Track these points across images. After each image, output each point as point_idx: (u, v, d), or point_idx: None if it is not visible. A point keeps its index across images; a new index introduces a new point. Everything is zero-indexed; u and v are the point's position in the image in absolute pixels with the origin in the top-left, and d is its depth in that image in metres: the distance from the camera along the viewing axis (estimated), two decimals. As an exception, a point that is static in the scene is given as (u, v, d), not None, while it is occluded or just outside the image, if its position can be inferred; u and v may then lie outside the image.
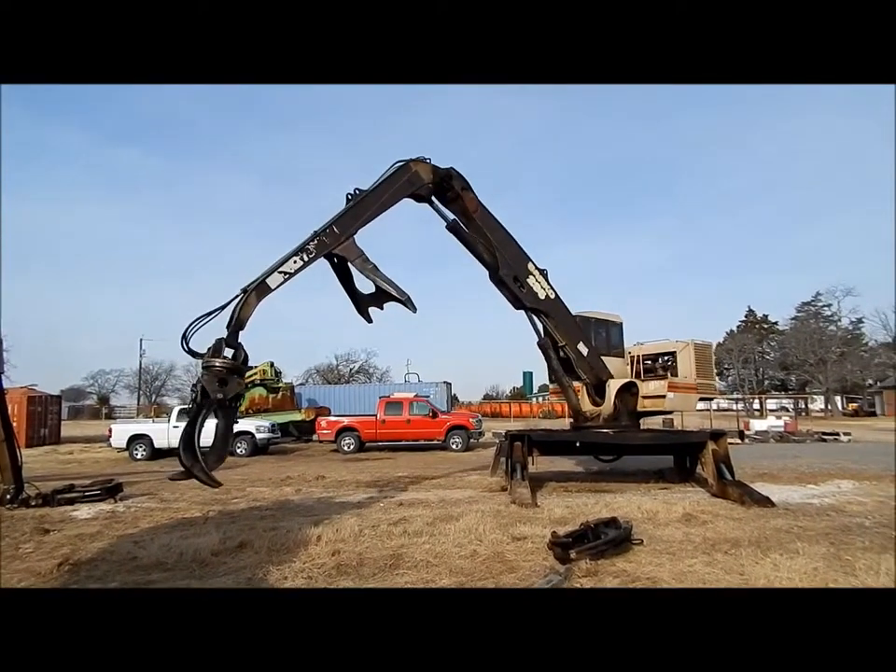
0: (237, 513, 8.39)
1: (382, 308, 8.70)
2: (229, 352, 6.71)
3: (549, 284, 10.27)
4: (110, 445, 18.94)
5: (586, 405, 11.10)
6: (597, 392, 10.96)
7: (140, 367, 65.26)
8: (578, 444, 10.82)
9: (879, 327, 58.57)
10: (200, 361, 6.64)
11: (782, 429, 25.20)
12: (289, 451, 21.16)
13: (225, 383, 6.55)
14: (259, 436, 19.17)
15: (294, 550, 6.09)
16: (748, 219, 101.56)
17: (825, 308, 60.57)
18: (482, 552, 5.90)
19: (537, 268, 10.18)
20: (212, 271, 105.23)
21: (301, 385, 40.66)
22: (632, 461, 12.74)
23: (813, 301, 60.93)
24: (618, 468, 12.24)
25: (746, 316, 71.14)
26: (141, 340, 62.03)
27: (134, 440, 18.62)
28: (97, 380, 73.07)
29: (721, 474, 9.43)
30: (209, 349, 6.63)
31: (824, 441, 23.45)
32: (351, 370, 62.32)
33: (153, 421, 22.34)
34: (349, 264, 8.21)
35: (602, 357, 10.97)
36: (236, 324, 6.81)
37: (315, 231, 7.68)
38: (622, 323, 11.85)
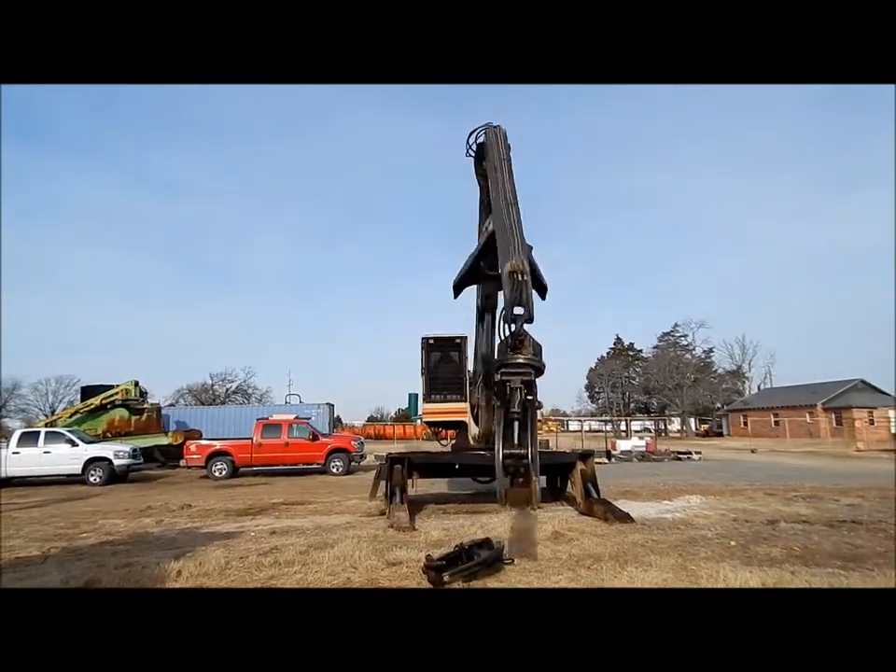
0: (85, 550, 7.56)
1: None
2: None
3: None
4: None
5: (474, 428, 11.34)
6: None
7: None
8: (457, 467, 11.02)
9: (726, 356, 66.34)
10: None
11: (644, 449, 27.35)
12: (153, 478, 19.49)
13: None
14: (117, 462, 17.49)
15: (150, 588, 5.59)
16: (621, 256, 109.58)
17: (682, 338, 67.25)
18: (355, 579, 5.78)
19: None
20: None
21: (169, 405, 37.91)
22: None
23: (672, 331, 67.41)
24: (494, 488, 12.55)
25: (614, 344, 76.77)
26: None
27: (-38, 468, 16.27)
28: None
29: (588, 493, 10.00)
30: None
31: (679, 459, 25.72)
32: (227, 390, 58.86)
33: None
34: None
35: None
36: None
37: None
38: None
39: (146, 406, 24.91)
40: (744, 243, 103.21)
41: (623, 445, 28.28)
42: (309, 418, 24.47)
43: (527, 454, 5.52)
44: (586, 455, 10.69)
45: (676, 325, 67.06)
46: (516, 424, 5.63)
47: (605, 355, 75.07)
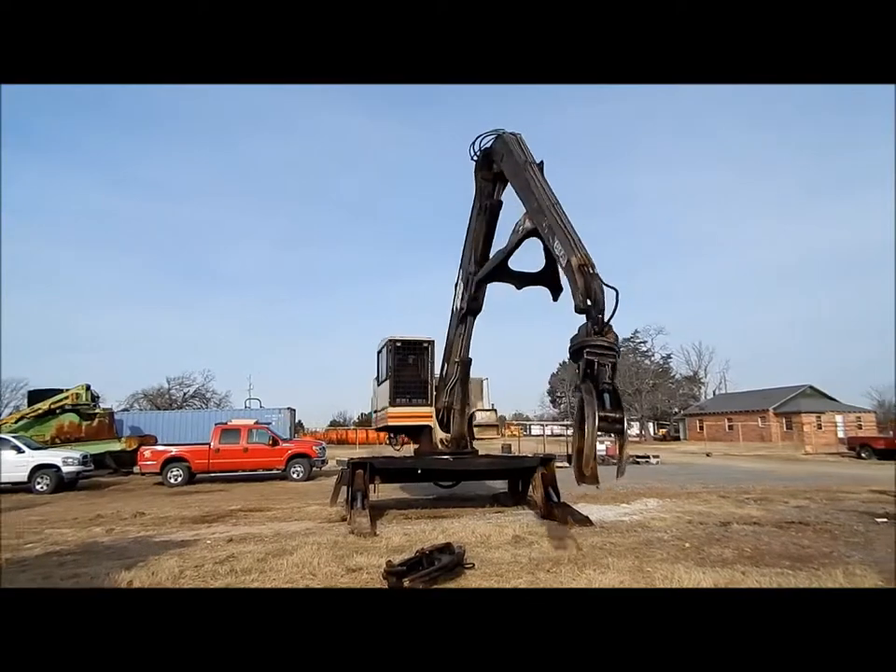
0: (30, 561, 7.23)
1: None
2: None
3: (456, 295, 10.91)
4: None
5: (440, 432, 11.30)
6: (449, 417, 11.27)
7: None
8: (419, 471, 10.99)
9: (683, 362, 68.14)
10: None
11: (604, 453, 27.74)
12: (104, 485, 18.82)
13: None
14: (66, 469, 16.80)
15: (98, 599, 5.39)
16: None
17: (641, 344, 68.72)
18: (314, 587, 5.70)
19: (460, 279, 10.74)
20: None
21: (123, 410, 36.71)
22: (472, 486, 13.23)
23: (632, 337, 68.79)
24: (457, 493, 12.59)
25: (577, 349, 77.82)
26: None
27: None
28: None
29: (549, 496, 10.11)
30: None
31: (637, 463, 26.23)
32: (185, 394, 57.33)
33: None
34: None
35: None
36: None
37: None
38: None
39: (97, 411, 24.02)
40: (700, 252, 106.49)
41: (584, 449, 28.65)
42: (269, 423, 24.07)
43: (621, 417, 5.90)
44: (547, 460, 10.80)
45: (636, 331, 68.55)
46: (606, 396, 5.87)
47: (567, 360, 76.02)
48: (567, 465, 24.41)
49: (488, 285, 10.27)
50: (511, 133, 8.77)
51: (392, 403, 11.26)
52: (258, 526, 9.63)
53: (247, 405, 33.90)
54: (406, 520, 10.00)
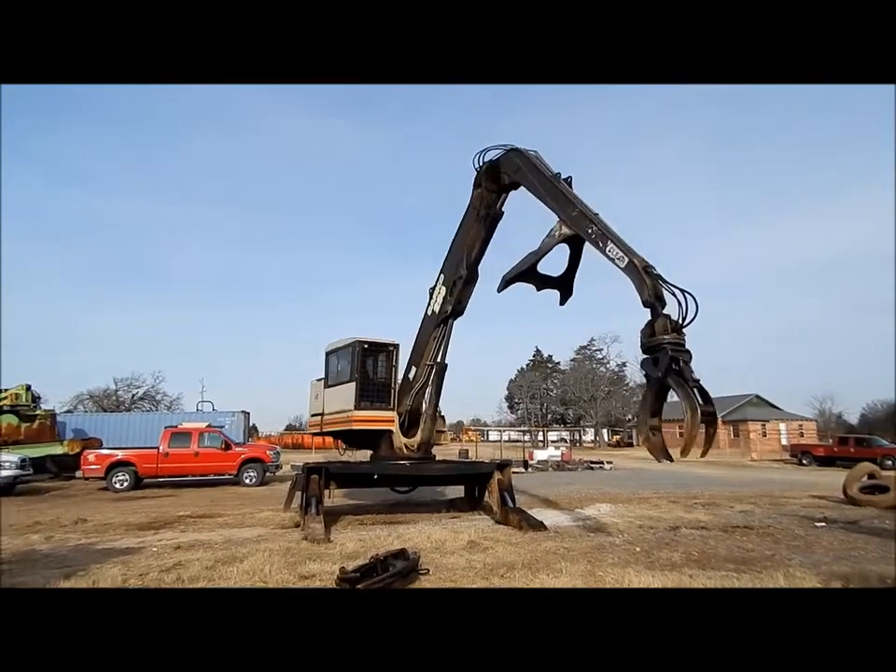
0: (-42, 570, 6.84)
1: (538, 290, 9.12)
2: None
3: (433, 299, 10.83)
4: None
5: (401, 438, 11.12)
6: (411, 422, 11.18)
7: None
8: (375, 476, 10.90)
9: (638, 369, 69.78)
10: None
11: (559, 459, 28.18)
12: (44, 491, 17.92)
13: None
14: (2, 473, 15.99)
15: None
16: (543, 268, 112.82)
17: (598, 352, 70.13)
18: (262, 587, 5.56)
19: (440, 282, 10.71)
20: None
21: (66, 412, 35.15)
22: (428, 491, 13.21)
23: (588, 345, 70.19)
24: (413, 498, 12.54)
25: (534, 356, 78.92)
26: None
27: None
28: None
29: (504, 502, 10.17)
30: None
31: (592, 469, 26.71)
32: (133, 396, 55.28)
33: None
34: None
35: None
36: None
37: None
38: None
39: (38, 412, 22.96)
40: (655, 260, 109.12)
41: (540, 455, 29.00)
42: (222, 426, 23.50)
43: (714, 410, 6.59)
44: (503, 465, 10.87)
45: (592, 339, 69.99)
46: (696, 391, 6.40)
47: (525, 367, 76.99)
48: (524, 471, 24.58)
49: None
50: (531, 150, 9.26)
51: (357, 406, 10.96)
52: (207, 533, 9.36)
53: (199, 408, 32.93)
54: (361, 525, 9.90)
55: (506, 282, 8.97)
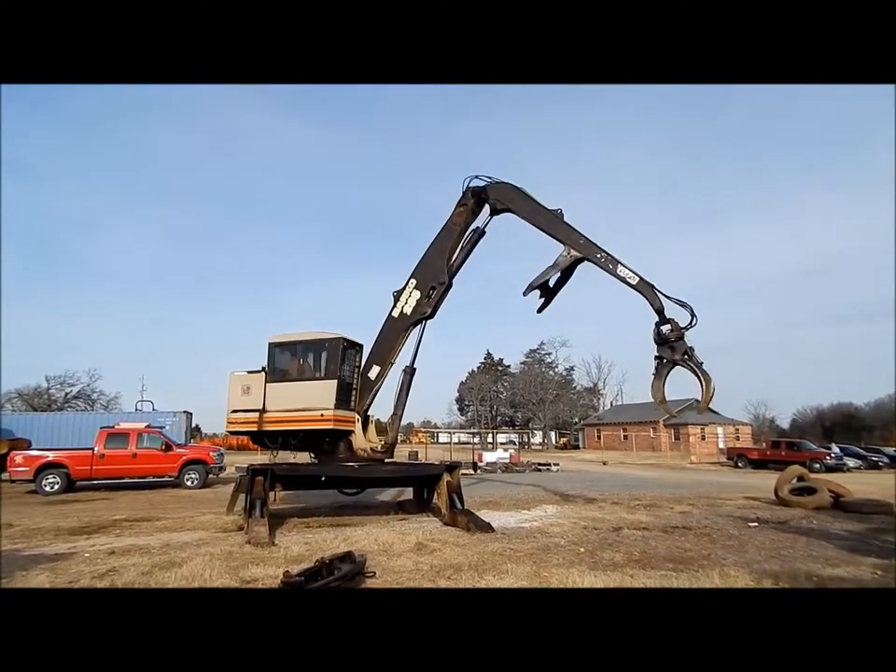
0: None
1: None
2: None
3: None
4: None
5: (362, 440, 10.99)
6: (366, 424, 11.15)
7: None
8: (322, 479, 10.73)
9: (584, 374, 71.57)
10: None
11: (508, 461, 28.50)
12: (-35, 493, 16.88)
13: None
14: (-82, 475, 14.94)
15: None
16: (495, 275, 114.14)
17: (547, 356, 71.42)
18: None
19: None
20: None
21: (-8, 410, 33.16)
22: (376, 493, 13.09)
23: (538, 348, 71.35)
24: (361, 501, 12.41)
25: (485, 359, 79.55)
26: None
27: None
28: None
29: (453, 504, 10.20)
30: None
31: (539, 470, 27.10)
32: (67, 394, 52.52)
33: None
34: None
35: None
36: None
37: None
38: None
39: (-39, 410, 21.60)
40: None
41: (489, 457, 29.25)
42: (163, 427, 22.64)
43: (710, 378, 9.61)
44: (452, 467, 10.90)
45: (542, 342, 71.18)
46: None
47: (475, 369, 77.54)
48: (473, 472, 24.70)
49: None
50: (505, 186, 10.76)
51: (338, 406, 10.57)
52: (144, 537, 8.99)
53: (139, 408, 31.56)
54: (307, 528, 9.73)
55: (531, 288, 10.59)
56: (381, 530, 9.26)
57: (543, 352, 71.40)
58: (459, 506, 10.23)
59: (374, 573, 6.16)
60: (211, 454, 19.42)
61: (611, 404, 70.07)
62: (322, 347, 11.05)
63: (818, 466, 27.33)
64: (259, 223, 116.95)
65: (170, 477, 18.10)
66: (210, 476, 18.80)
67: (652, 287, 9.65)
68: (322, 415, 10.55)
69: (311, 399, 10.62)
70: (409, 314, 10.97)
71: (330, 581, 5.46)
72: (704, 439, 49.22)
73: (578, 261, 10.31)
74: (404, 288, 11.07)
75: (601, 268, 10.01)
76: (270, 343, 11.24)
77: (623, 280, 9.77)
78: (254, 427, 10.84)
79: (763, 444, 35.86)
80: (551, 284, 10.76)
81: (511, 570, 6.45)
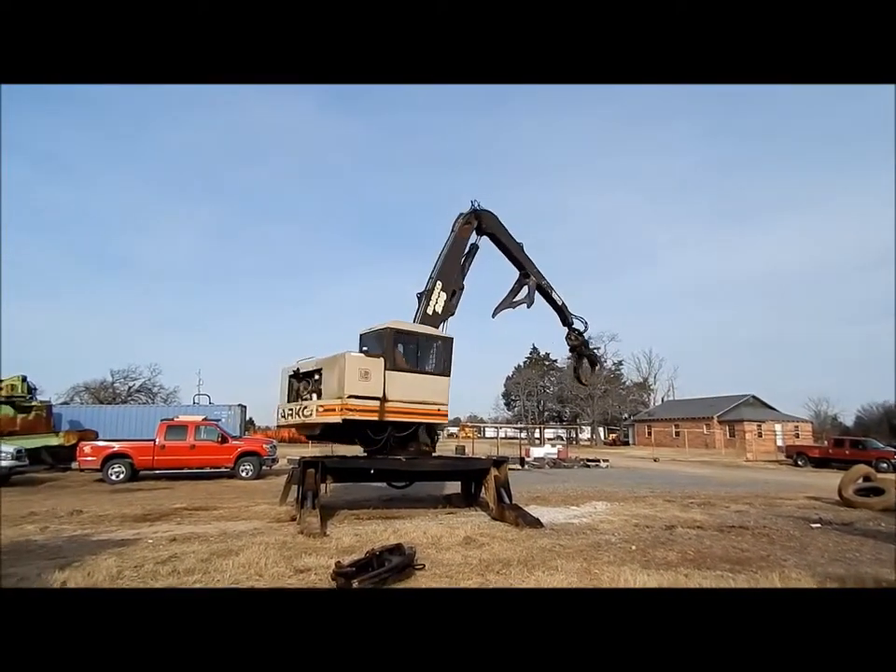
0: (-48, 560, 6.81)
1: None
2: None
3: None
4: None
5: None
6: None
7: None
8: (372, 471, 10.88)
9: (634, 369, 70.01)
10: None
11: (556, 457, 28.20)
12: (40, 481, 17.90)
13: None
14: (-1, 463, 15.94)
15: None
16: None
17: (595, 350, 70.26)
18: (260, 588, 5.56)
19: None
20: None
21: (63, 404, 35.07)
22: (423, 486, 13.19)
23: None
24: (410, 493, 12.54)
25: (531, 353, 78.89)
26: None
27: None
28: None
29: (501, 498, 10.18)
30: None
31: (588, 466, 26.74)
32: (130, 388, 55.07)
33: None
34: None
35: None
36: None
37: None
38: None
39: (34, 404, 22.87)
40: (654, 263, 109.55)
41: (537, 452, 29.02)
42: (219, 420, 23.41)
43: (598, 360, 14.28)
44: (500, 462, 10.87)
45: (590, 337, 69.97)
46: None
47: (522, 364, 77.01)
48: (520, 468, 24.66)
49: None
50: (493, 214, 12.85)
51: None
52: (203, 526, 9.36)
53: (196, 401, 32.75)
54: (357, 520, 9.89)
55: (498, 311, 13.22)
56: (429, 523, 9.34)
57: (592, 346, 70.24)
58: (507, 501, 10.20)
59: (424, 566, 6.21)
60: (264, 446, 20.03)
61: (662, 400, 68.34)
62: (438, 342, 11.25)
63: (885, 465, 25.94)
64: (306, 222, 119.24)
65: (226, 468, 18.74)
66: (263, 468, 19.36)
67: (565, 307, 14.38)
68: (439, 410, 10.83)
69: (429, 393, 10.70)
70: (440, 312, 11.62)
71: (381, 572, 5.54)
72: (760, 436, 47.39)
73: (538, 287, 13.42)
74: (432, 290, 11.61)
75: (544, 290, 13.71)
76: (392, 329, 10.64)
77: (552, 302, 14.08)
78: (374, 417, 10.08)
79: (826, 442, 34.22)
80: (513, 309, 13.44)
81: (560, 566, 6.39)
